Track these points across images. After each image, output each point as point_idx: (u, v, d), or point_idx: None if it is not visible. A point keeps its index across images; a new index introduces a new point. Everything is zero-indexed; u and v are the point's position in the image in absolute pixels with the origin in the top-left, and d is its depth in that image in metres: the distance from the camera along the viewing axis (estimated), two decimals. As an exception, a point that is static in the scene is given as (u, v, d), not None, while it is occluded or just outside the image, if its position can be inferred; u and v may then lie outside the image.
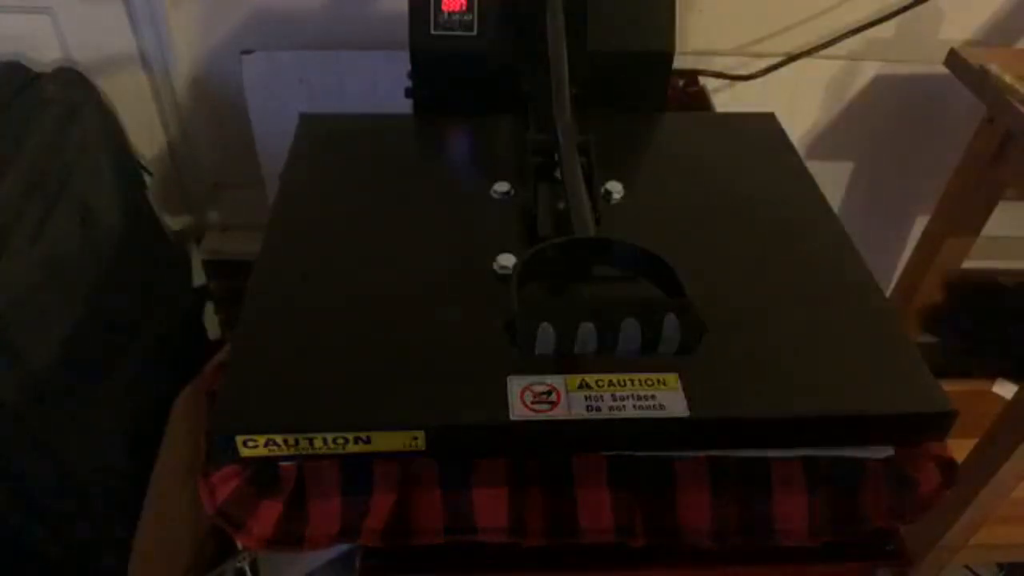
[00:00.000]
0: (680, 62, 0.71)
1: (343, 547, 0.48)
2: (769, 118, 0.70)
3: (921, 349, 0.48)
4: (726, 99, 0.99)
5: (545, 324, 0.48)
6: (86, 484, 0.78)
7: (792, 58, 0.96)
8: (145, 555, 0.82)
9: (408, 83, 0.70)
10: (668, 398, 0.44)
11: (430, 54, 0.68)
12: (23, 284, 0.72)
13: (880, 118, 1.07)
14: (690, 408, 0.43)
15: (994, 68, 0.84)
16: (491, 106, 0.68)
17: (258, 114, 0.97)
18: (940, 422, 0.45)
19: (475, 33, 0.67)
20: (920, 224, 1.17)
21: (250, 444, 0.42)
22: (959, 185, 0.99)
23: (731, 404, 0.44)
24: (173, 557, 0.82)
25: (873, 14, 0.94)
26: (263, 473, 0.45)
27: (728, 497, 0.46)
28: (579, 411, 0.43)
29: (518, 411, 0.43)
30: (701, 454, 0.46)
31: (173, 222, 1.10)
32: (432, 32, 0.67)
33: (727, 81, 0.98)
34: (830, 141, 1.09)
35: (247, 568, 0.78)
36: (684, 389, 0.44)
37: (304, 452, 0.43)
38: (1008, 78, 0.83)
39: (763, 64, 0.97)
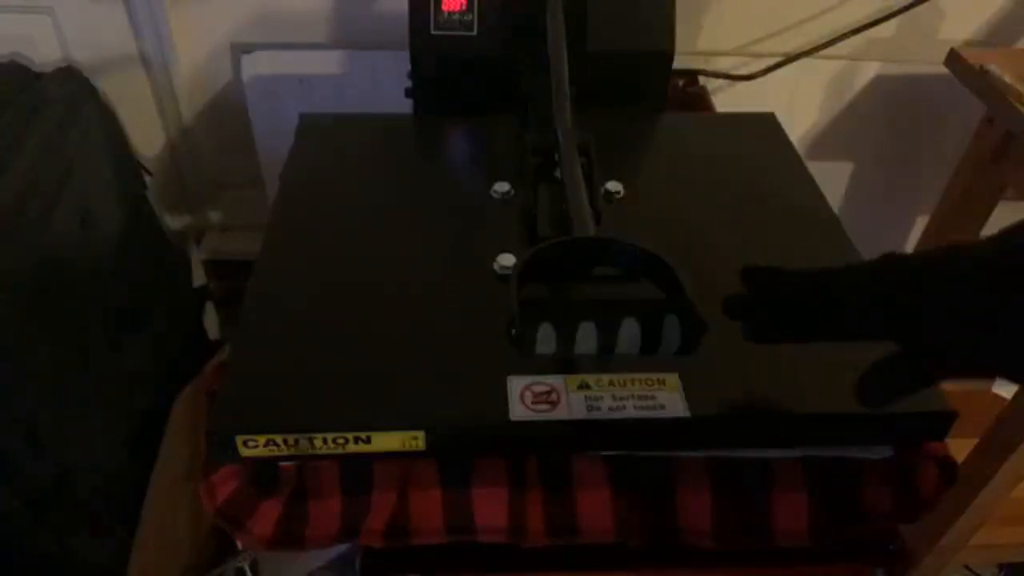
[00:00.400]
0: (680, 62, 0.71)
1: (343, 547, 0.48)
2: (769, 118, 0.70)
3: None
4: (726, 99, 0.99)
5: (545, 324, 0.48)
6: (86, 484, 0.78)
7: (792, 58, 0.96)
8: (145, 555, 0.82)
9: (408, 83, 0.70)
10: (668, 398, 0.44)
11: (430, 54, 0.68)
12: (23, 284, 0.72)
13: (880, 118, 1.07)
14: (690, 408, 0.43)
15: (994, 68, 0.84)
16: (491, 106, 0.68)
17: (258, 114, 0.97)
18: (940, 422, 0.45)
19: (475, 33, 0.67)
20: (920, 224, 1.17)
21: (250, 444, 0.42)
22: (959, 185, 0.99)
23: (731, 404, 0.44)
24: (173, 557, 0.82)
25: (873, 14, 0.94)
26: (263, 473, 0.45)
27: (728, 497, 0.46)
28: (579, 411, 0.43)
29: (518, 411, 0.43)
30: (701, 454, 0.46)
31: (173, 222, 1.10)
32: (432, 32, 0.67)
33: (727, 81, 0.98)
34: (830, 141, 1.09)
35: (247, 568, 0.78)
36: (684, 389, 0.44)
37: (304, 452, 0.43)
38: (1008, 78, 0.83)
39: (763, 64, 0.97)
